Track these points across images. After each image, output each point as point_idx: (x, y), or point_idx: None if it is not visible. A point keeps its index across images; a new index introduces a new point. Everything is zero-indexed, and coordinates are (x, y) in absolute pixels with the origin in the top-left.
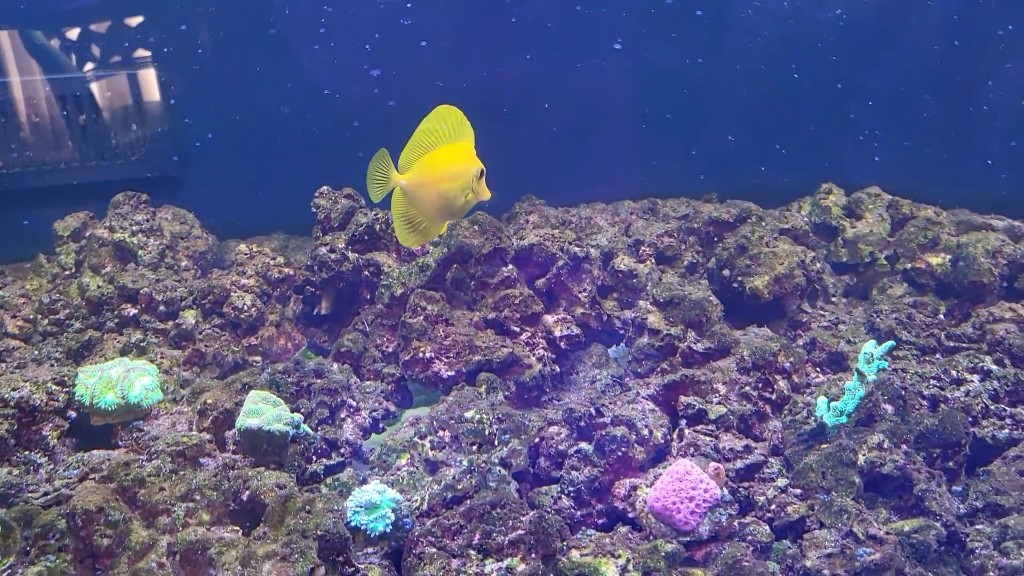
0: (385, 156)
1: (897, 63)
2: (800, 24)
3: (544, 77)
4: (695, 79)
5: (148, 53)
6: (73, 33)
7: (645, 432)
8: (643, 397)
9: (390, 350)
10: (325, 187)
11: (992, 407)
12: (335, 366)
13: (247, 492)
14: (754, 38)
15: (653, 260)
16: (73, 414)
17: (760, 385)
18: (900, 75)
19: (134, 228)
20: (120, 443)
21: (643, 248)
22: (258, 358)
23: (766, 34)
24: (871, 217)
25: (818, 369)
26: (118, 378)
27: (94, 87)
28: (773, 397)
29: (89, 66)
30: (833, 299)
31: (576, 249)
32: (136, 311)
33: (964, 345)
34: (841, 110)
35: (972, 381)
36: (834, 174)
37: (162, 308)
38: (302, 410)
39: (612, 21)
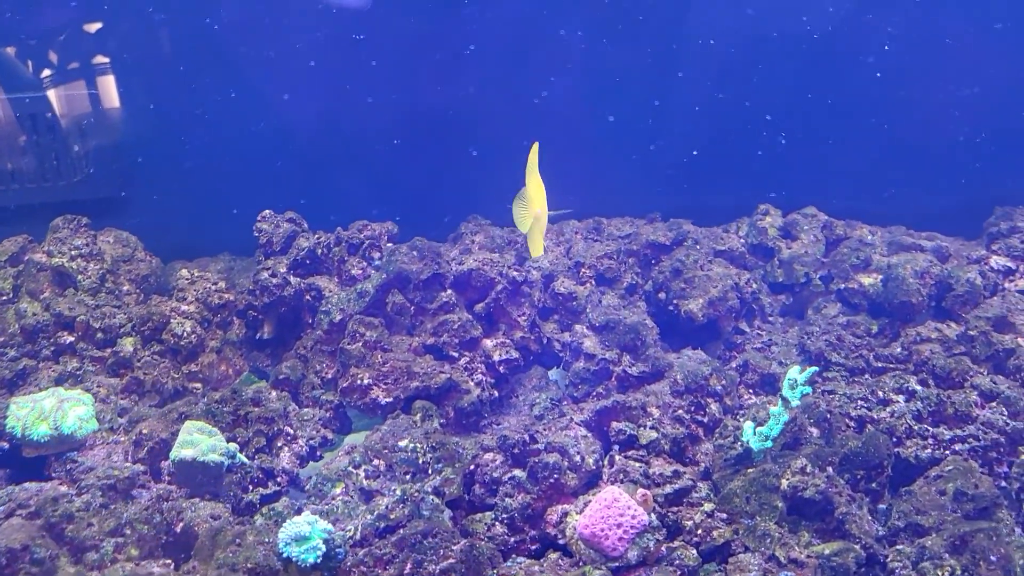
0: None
1: (834, 86)
2: (747, 45)
3: (493, 95)
4: (644, 98)
5: (92, 73)
6: (14, 52)
7: (577, 459)
8: (576, 423)
9: (329, 376)
10: (267, 211)
11: (916, 427)
12: (273, 394)
13: (181, 524)
14: (705, 58)
15: (593, 282)
16: (5, 445)
17: (693, 408)
18: (837, 97)
19: (73, 253)
20: (53, 475)
21: (584, 270)
22: (198, 384)
23: (716, 54)
24: (806, 238)
25: (751, 391)
26: (51, 409)
27: (36, 107)
28: (705, 420)
29: (31, 86)
30: (770, 318)
31: (515, 273)
32: (73, 339)
33: (892, 366)
34: (783, 130)
35: (898, 402)
36: (774, 193)
37: (100, 335)
38: (239, 439)
39: (561, 41)
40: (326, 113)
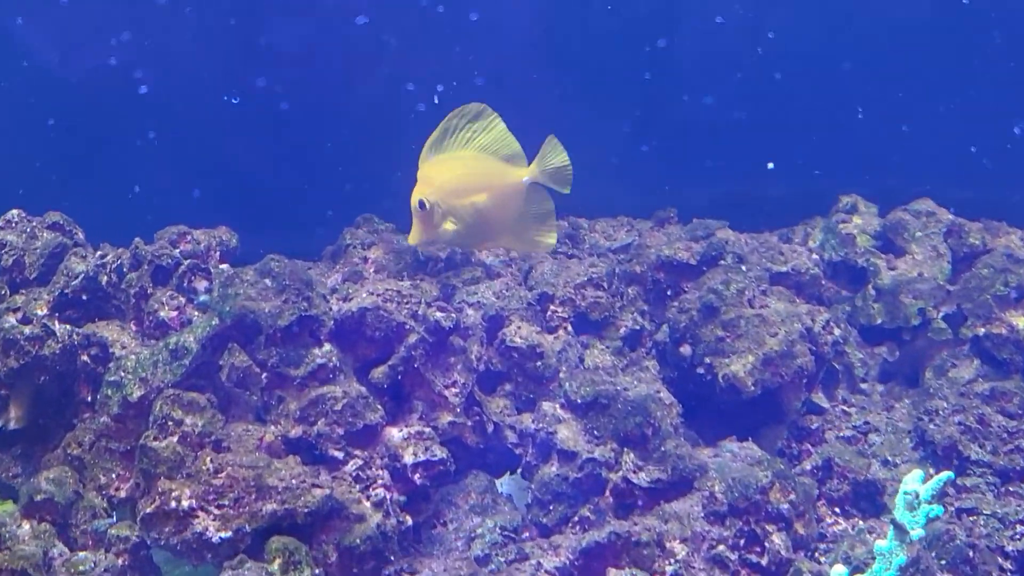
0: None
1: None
2: None
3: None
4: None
5: None
6: None
7: None
8: (547, 571)
9: (123, 495)
10: (15, 211)
11: None
12: (25, 527)
13: None
14: None
15: (570, 326)
16: None
17: (742, 542)
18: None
19: None
20: None
21: (553, 307)
22: None
23: None
24: (920, 252)
25: (836, 510)
26: None
27: None
28: (764, 562)
29: None
30: (864, 385)
31: (439, 316)
32: None
33: None
34: (873, 85)
35: None
36: (861, 180)
37: None
38: None
39: None
40: (108, 73)
